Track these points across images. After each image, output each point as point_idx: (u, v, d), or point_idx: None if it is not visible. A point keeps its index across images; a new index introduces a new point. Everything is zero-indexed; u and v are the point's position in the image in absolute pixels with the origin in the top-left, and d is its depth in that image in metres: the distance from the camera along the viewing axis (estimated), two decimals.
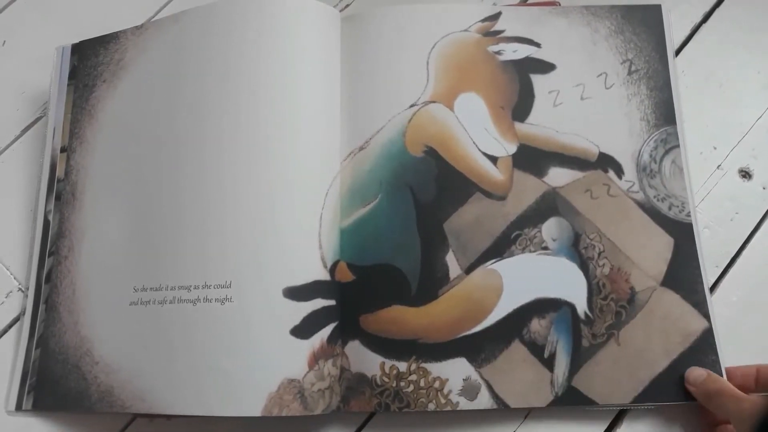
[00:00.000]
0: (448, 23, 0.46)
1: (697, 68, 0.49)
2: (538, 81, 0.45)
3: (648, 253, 0.42)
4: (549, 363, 0.40)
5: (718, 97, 0.48)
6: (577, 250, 0.42)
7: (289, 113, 0.42)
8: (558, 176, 0.43)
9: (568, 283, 0.42)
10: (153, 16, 0.54)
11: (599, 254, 0.42)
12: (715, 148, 0.47)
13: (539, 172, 0.43)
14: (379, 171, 0.43)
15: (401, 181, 0.43)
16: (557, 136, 0.44)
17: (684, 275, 0.41)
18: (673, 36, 0.47)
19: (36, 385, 0.43)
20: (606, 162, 0.43)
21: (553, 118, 0.44)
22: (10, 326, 0.46)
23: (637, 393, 0.40)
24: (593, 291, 0.41)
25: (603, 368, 0.40)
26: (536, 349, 0.40)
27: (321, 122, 0.43)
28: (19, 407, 0.43)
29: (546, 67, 0.45)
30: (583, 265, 0.42)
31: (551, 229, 0.42)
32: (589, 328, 0.41)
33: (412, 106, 0.44)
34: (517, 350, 0.40)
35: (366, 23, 0.46)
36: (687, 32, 0.50)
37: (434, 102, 0.44)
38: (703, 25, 0.50)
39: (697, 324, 0.41)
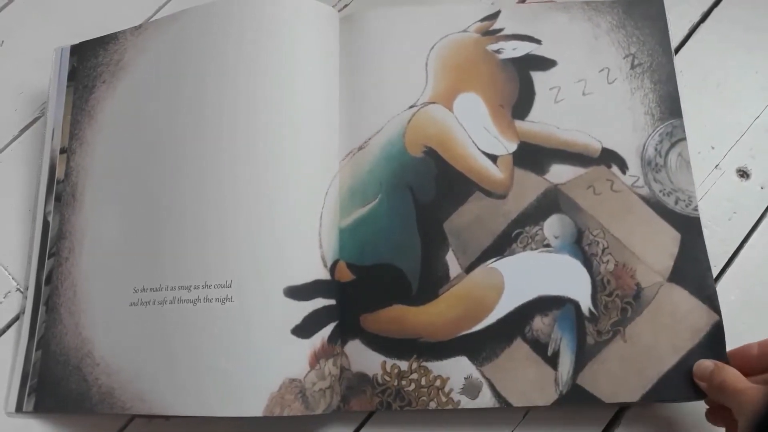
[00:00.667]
0: (446, 24, 0.46)
1: (695, 68, 0.49)
2: (538, 78, 0.45)
3: (654, 248, 0.41)
4: (553, 361, 0.40)
5: (716, 96, 0.48)
6: (580, 246, 0.42)
7: (288, 113, 0.42)
8: (559, 173, 0.43)
9: (571, 280, 0.41)
10: (152, 16, 0.53)
11: (603, 250, 0.42)
12: (713, 148, 0.47)
13: (540, 170, 0.43)
14: (379, 171, 0.43)
15: (401, 182, 0.43)
16: (558, 132, 0.44)
17: (692, 270, 0.41)
18: (672, 35, 0.47)
19: (37, 387, 0.43)
20: (609, 157, 0.43)
21: (555, 115, 0.44)
22: (8, 327, 0.46)
23: (645, 391, 0.39)
24: (597, 287, 0.41)
25: (609, 366, 0.40)
26: (539, 347, 0.40)
27: (320, 122, 0.43)
28: (19, 409, 0.43)
29: (546, 64, 0.45)
30: (587, 262, 0.41)
31: (553, 226, 0.42)
32: (594, 325, 0.40)
33: (411, 107, 0.44)
34: (519, 348, 0.40)
35: (365, 24, 0.46)
36: (685, 32, 0.50)
37: (433, 103, 0.44)
38: (702, 24, 0.50)
39: (707, 319, 0.40)
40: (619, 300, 0.41)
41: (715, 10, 0.50)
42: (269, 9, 0.44)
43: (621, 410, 0.42)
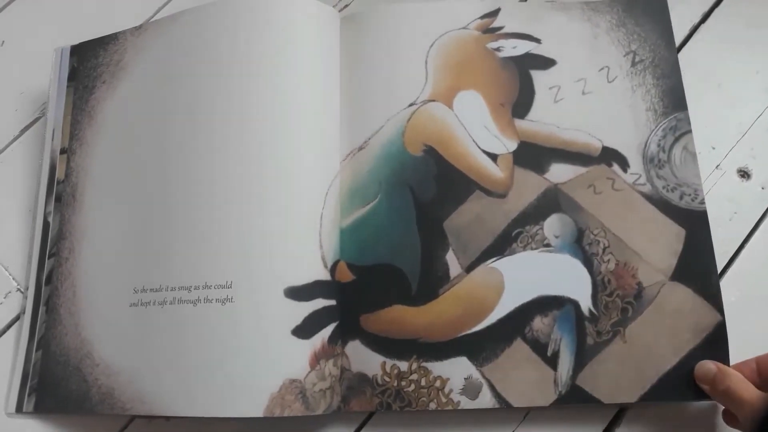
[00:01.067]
0: (446, 21, 0.46)
1: (696, 68, 0.49)
2: (538, 77, 0.45)
3: (656, 246, 0.41)
4: (552, 361, 0.40)
5: (717, 96, 0.48)
6: (580, 246, 0.41)
7: (289, 114, 0.42)
8: (560, 172, 0.43)
9: (571, 280, 0.41)
10: (152, 17, 0.53)
11: (604, 250, 0.41)
12: (713, 148, 0.47)
13: (540, 169, 0.43)
14: (378, 171, 0.43)
15: (401, 181, 0.43)
16: (558, 132, 0.44)
17: (696, 267, 0.41)
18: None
19: (37, 387, 0.43)
20: (610, 156, 0.43)
21: (555, 114, 0.44)
22: (8, 327, 0.46)
23: (644, 391, 0.39)
24: (598, 287, 0.41)
25: (608, 366, 0.40)
26: (539, 347, 0.40)
27: (321, 122, 0.43)
28: (19, 409, 0.43)
29: (546, 63, 0.45)
30: (587, 261, 0.41)
31: (553, 225, 0.42)
32: (594, 326, 0.40)
33: (411, 105, 0.44)
34: (519, 349, 0.40)
35: (365, 23, 0.46)
36: (686, 32, 0.50)
37: (433, 101, 0.44)
38: (702, 25, 0.50)
39: (710, 319, 0.40)
40: (619, 300, 0.40)
41: (716, 10, 0.50)
42: (270, 10, 0.44)
43: (621, 410, 0.42)
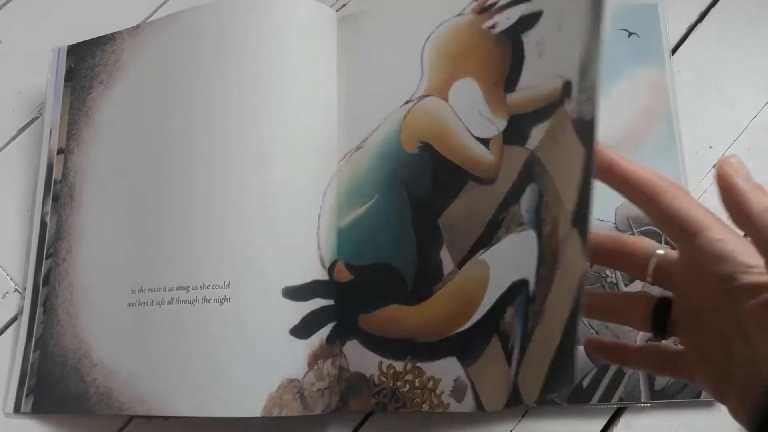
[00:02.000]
0: (441, 11, 0.44)
1: (692, 68, 0.49)
2: (527, 38, 0.39)
3: (569, 182, 0.30)
4: (510, 357, 0.35)
5: (714, 96, 0.48)
6: (538, 215, 0.34)
7: (286, 113, 0.42)
8: (536, 135, 0.36)
9: (527, 258, 0.34)
10: (149, 17, 0.53)
11: (547, 210, 0.33)
12: (710, 148, 0.47)
13: (523, 140, 0.37)
14: (375, 170, 0.43)
15: (397, 179, 0.43)
16: (535, 90, 0.38)
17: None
18: (669, 35, 0.47)
19: (35, 388, 0.43)
20: (566, 90, 0.32)
21: (539, 71, 0.38)
22: (6, 327, 0.46)
23: (546, 370, 0.30)
24: (539, 260, 0.33)
25: (533, 355, 0.32)
26: (506, 341, 0.36)
27: (319, 122, 0.43)
28: (17, 409, 0.43)
29: (534, 19, 0.39)
30: (539, 231, 0.34)
31: (526, 200, 0.36)
32: (533, 307, 0.33)
33: (407, 102, 0.44)
34: (495, 346, 0.37)
35: (362, 21, 0.46)
36: (682, 32, 0.50)
37: (429, 96, 0.43)
38: (699, 24, 0.50)
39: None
40: (546, 269, 0.32)
41: (713, 10, 0.50)
42: (267, 10, 0.43)
43: (619, 410, 0.42)
